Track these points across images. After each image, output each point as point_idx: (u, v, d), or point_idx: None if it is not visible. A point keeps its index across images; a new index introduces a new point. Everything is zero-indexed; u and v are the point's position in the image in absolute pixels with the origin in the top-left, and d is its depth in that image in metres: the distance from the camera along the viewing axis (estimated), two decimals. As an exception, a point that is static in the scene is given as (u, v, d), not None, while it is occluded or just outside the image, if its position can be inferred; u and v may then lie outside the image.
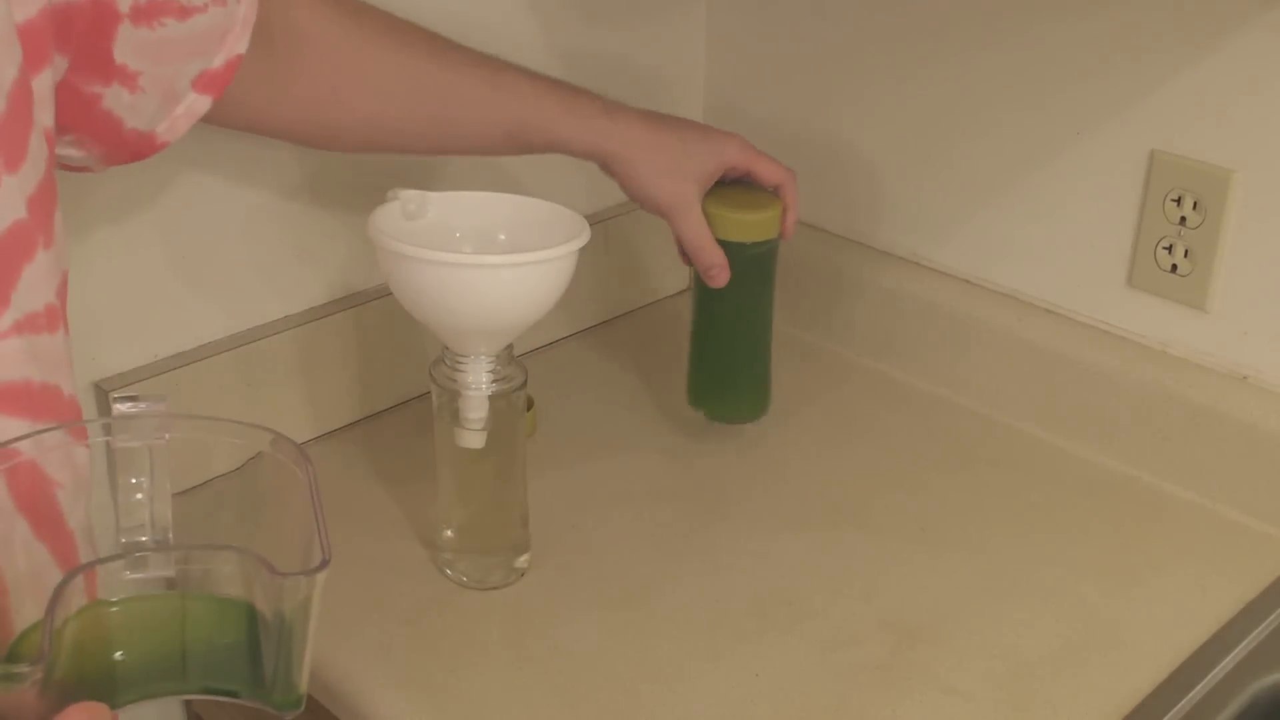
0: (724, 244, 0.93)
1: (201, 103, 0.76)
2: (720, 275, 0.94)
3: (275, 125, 0.86)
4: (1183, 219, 0.96)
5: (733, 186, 0.95)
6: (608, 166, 0.92)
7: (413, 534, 0.94)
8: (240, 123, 0.83)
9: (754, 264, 0.96)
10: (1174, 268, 0.97)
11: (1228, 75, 0.91)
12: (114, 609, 0.55)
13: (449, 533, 0.89)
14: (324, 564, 0.56)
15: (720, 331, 0.99)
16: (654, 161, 0.91)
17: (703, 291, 0.97)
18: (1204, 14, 0.91)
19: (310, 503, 0.59)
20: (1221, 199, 0.93)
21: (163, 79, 0.73)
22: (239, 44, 0.76)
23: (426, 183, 0.89)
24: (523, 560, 0.90)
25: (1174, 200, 0.96)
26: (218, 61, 0.75)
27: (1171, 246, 0.97)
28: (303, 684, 0.58)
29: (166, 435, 0.61)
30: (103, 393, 0.92)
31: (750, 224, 0.94)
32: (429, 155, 0.91)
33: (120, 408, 0.61)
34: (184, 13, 0.71)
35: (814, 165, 1.19)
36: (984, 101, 1.05)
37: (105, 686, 0.55)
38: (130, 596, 0.55)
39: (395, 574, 0.90)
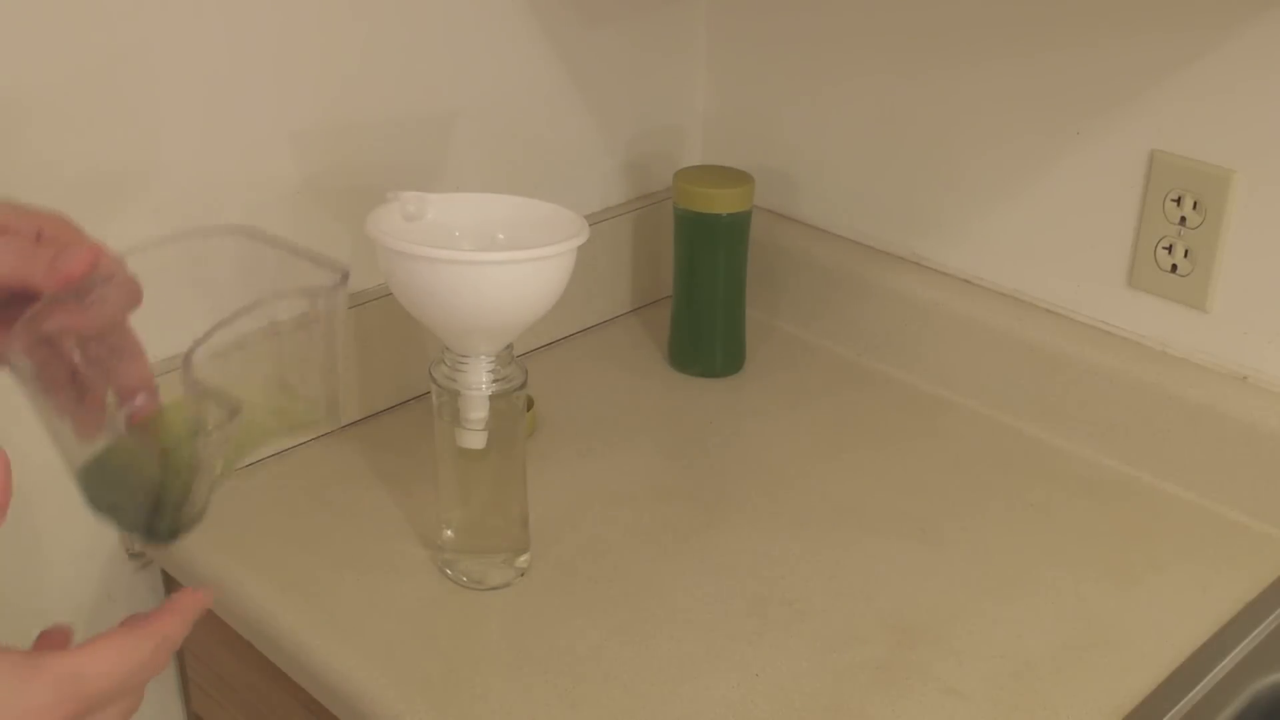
0: (703, 215, 1.10)
1: None
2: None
3: None
4: (1183, 219, 0.96)
5: (706, 169, 1.13)
6: None
7: (413, 534, 0.94)
8: None
9: (728, 232, 1.11)
10: (1174, 268, 0.97)
11: (1228, 74, 0.91)
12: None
13: (449, 533, 0.89)
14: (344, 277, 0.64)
15: (700, 294, 1.14)
16: None
17: (684, 259, 1.13)
18: (1204, 13, 0.91)
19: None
20: (1221, 199, 0.93)
21: None
22: None
23: (425, 184, 0.89)
24: (523, 560, 0.90)
25: (1174, 200, 0.96)
26: None
27: (1171, 247, 0.97)
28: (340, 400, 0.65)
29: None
30: (103, 393, 0.92)
31: (723, 198, 1.10)
32: None
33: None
34: None
35: (814, 165, 1.19)
36: (984, 101, 1.05)
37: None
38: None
39: (395, 574, 0.90)
